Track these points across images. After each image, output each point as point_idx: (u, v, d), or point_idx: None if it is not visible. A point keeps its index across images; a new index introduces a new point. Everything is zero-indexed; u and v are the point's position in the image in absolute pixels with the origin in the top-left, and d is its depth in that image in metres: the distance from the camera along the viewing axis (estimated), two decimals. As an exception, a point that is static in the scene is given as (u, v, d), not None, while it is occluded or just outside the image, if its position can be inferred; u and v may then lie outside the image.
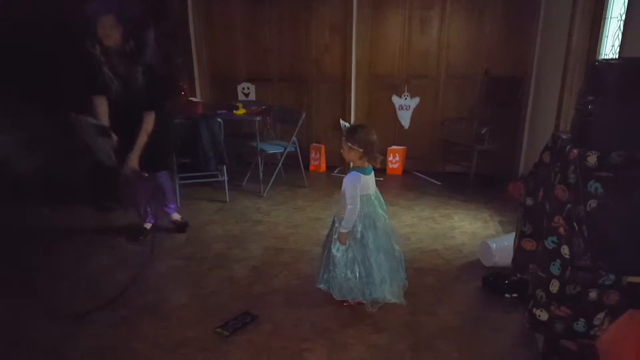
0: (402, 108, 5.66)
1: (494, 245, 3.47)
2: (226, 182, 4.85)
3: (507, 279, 3.18)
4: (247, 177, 5.34)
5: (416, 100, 5.62)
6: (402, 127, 5.73)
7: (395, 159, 5.67)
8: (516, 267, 2.88)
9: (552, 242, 2.23)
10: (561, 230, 2.20)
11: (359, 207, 2.82)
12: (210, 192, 5.04)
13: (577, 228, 2.18)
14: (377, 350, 2.61)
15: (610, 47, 3.89)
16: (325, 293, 3.03)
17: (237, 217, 4.45)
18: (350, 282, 2.91)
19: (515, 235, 2.92)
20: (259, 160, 5.14)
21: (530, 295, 2.41)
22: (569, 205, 2.21)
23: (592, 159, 2.16)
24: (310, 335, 2.72)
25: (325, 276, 2.99)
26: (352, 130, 2.83)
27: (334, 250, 2.90)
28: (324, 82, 5.83)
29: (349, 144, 2.79)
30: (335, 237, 2.90)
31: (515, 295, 3.12)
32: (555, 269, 2.21)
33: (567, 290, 2.19)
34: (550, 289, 2.24)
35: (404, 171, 5.79)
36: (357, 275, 2.90)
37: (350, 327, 2.80)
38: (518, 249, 2.82)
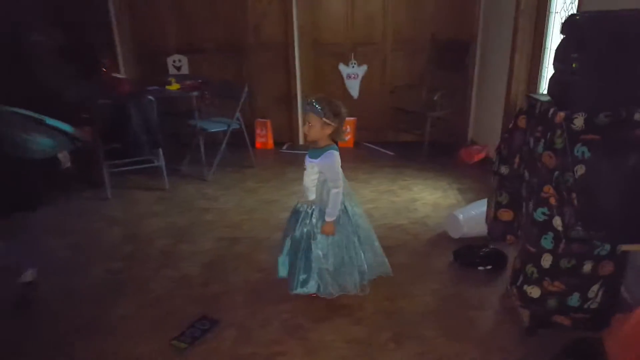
0: (350, 77, 5.38)
1: (461, 216, 3.31)
2: (164, 167, 4.40)
3: (479, 251, 3.03)
4: (187, 159, 4.90)
5: (364, 68, 5.35)
6: (351, 97, 5.45)
7: (346, 131, 5.40)
8: (493, 238, 2.72)
9: (543, 213, 2.05)
10: (552, 200, 2.02)
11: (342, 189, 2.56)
12: (147, 180, 4.57)
13: (566, 196, 2.01)
14: (358, 344, 2.37)
15: (561, 3, 3.75)
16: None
17: (180, 206, 4.05)
18: (341, 273, 2.63)
19: (489, 206, 2.75)
20: (200, 140, 4.71)
21: (517, 271, 2.24)
22: (556, 172, 2.03)
23: (578, 121, 1.99)
24: (281, 336, 2.44)
25: (302, 278, 2.66)
26: (327, 103, 2.51)
27: (315, 249, 2.59)
28: (265, 51, 5.42)
29: (325, 119, 2.47)
30: (316, 230, 2.59)
31: (489, 267, 2.97)
32: (547, 242, 2.04)
33: (561, 264, 2.03)
34: (542, 264, 2.07)
35: (356, 143, 5.54)
36: (346, 262, 2.63)
37: (325, 322, 2.54)
38: (494, 220, 2.65)
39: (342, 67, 5.39)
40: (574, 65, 2.05)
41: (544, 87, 3.96)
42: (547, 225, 2.02)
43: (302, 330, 2.48)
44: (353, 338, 2.41)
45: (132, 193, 4.35)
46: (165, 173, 4.41)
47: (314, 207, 2.60)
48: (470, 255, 3.02)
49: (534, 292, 2.11)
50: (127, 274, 3.06)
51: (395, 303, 2.69)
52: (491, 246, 3.02)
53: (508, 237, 2.61)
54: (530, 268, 2.11)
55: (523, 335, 2.38)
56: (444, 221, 3.53)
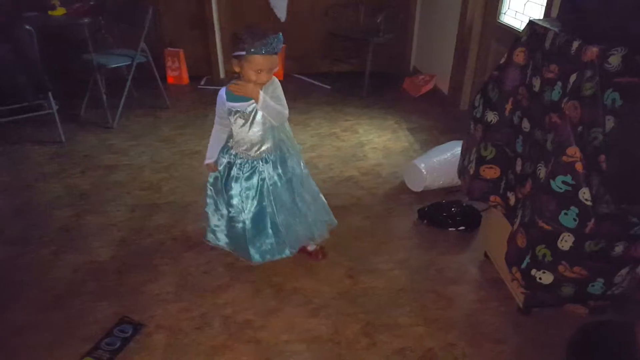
0: (275, -6, 4.60)
1: (422, 166, 2.86)
2: (56, 113, 3.54)
3: (449, 209, 2.61)
4: (85, 102, 4.03)
5: (292, -17, 4.58)
6: (278, 19, 4.68)
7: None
8: (473, 198, 2.28)
9: (564, 183, 1.60)
10: (578, 166, 1.56)
11: None
12: (37, 131, 3.70)
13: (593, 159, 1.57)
14: (321, 344, 1.91)
15: None
16: (232, 266, 2.28)
17: (82, 164, 3.27)
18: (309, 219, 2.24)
19: (465, 159, 2.29)
20: (98, 78, 3.85)
21: (521, 251, 1.81)
22: (580, 128, 1.58)
23: (615, 59, 1.52)
24: (226, 339, 1.92)
25: (261, 243, 2.16)
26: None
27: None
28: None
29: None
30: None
31: (462, 228, 2.58)
32: (569, 220, 1.61)
33: (585, 246, 1.61)
34: (560, 245, 1.65)
35: (285, 76, 4.84)
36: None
37: (277, 314, 2.05)
38: (475, 177, 2.19)
39: (265, -18, 4.59)
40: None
41: (505, 9, 3.48)
42: (570, 199, 1.58)
43: (250, 329, 1.98)
44: (314, 336, 1.94)
45: (20, 149, 3.50)
46: (58, 121, 3.56)
47: (272, 154, 2.09)
48: (439, 215, 2.60)
49: (546, 278, 1.71)
50: (17, 263, 2.36)
51: (358, 282, 2.24)
52: (464, 203, 2.61)
53: (492, 197, 2.18)
54: (541, 249, 1.69)
55: (516, 316, 2.03)
56: (402, 171, 3.08)
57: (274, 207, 2.09)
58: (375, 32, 4.20)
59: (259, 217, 2.11)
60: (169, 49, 4.69)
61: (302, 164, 2.20)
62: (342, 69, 4.78)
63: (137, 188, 2.98)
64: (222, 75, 4.83)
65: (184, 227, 2.61)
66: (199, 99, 4.38)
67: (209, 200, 2.21)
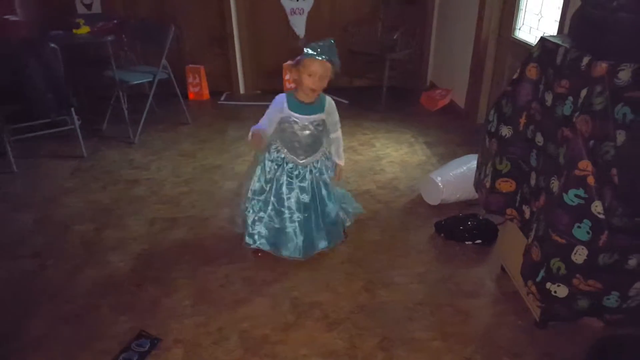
0: (294, 12, 4.68)
1: (439, 180, 2.86)
2: (78, 129, 3.64)
3: (465, 223, 2.61)
4: (107, 118, 4.13)
5: (310, 1, 4.64)
6: (297, 36, 4.77)
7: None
8: (489, 212, 2.28)
9: (576, 196, 1.60)
10: (590, 180, 1.56)
11: None
12: (60, 146, 3.80)
13: (605, 173, 1.57)
14: (338, 358, 1.91)
15: None
16: (250, 280, 2.32)
17: (103, 179, 3.35)
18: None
19: (481, 172, 2.30)
20: (120, 94, 3.95)
21: (536, 265, 1.80)
22: (592, 142, 1.58)
23: (624, 74, 1.53)
24: (244, 355, 1.94)
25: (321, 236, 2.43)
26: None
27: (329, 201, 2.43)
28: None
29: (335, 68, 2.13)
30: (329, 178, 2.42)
31: (479, 241, 2.57)
32: (582, 233, 1.60)
33: (599, 259, 1.61)
34: (574, 258, 1.64)
35: (303, 90, 4.90)
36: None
37: (294, 329, 2.06)
38: (491, 191, 2.20)
39: (284, 1, 4.66)
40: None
41: (520, 25, 3.48)
42: (582, 212, 1.58)
43: (268, 344, 1.99)
44: (331, 350, 1.95)
45: (43, 164, 3.59)
46: (80, 137, 3.65)
47: (319, 162, 2.36)
48: (456, 228, 2.60)
49: (560, 291, 1.70)
50: (37, 276, 2.41)
51: (376, 295, 2.24)
52: (480, 217, 2.61)
53: (508, 210, 2.17)
54: (556, 263, 1.68)
55: (533, 330, 2.02)
56: (419, 185, 3.09)
57: (322, 208, 2.38)
58: (393, 47, 4.23)
59: (309, 217, 2.35)
60: (190, 65, 4.78)
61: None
62: (360, 84, 4.82)
63: (157, 202, 3.04)
64: (242, 90, 4.91)
65: (201, 241, 2.64)
66: (219, 114, 4.45)
67: (249, 206, 2.36)
